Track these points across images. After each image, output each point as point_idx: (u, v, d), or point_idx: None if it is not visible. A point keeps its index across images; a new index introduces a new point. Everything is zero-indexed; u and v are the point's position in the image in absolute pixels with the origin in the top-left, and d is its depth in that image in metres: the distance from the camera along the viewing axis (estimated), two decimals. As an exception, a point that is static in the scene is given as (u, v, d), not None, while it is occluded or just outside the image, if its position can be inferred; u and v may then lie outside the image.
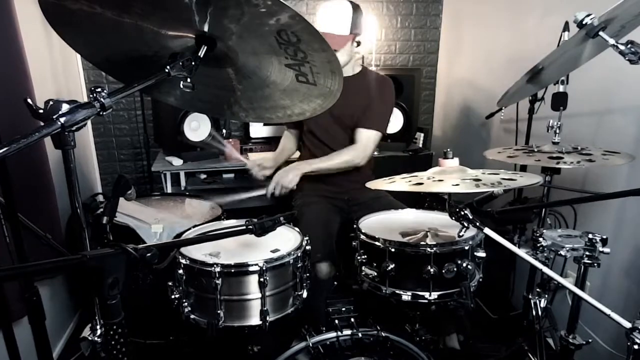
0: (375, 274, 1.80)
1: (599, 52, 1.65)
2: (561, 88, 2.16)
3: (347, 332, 1.82)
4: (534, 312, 2.07)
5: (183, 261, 1.66)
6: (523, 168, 2.53)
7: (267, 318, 1.65)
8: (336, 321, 1.85)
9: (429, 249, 1.68)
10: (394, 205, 2.37)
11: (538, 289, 2.09)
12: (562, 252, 1.75)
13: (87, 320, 1.22)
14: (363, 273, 1.85)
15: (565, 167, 1.84)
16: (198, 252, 1.72)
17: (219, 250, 1.76)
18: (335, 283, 2.30)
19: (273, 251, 1.74)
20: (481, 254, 1.74)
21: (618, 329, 1.22)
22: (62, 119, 0.91)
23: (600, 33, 1.38)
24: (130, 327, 1.03)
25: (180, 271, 1.67)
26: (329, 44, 2.19)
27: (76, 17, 1.14)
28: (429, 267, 1.68)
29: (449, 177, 1.53)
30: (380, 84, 2.62)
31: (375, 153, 2.85)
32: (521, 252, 1.29)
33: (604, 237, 1.66)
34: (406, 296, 1.76)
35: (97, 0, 1.10)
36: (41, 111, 0.92)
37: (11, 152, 0.83)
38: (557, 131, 2.09)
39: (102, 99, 0.98)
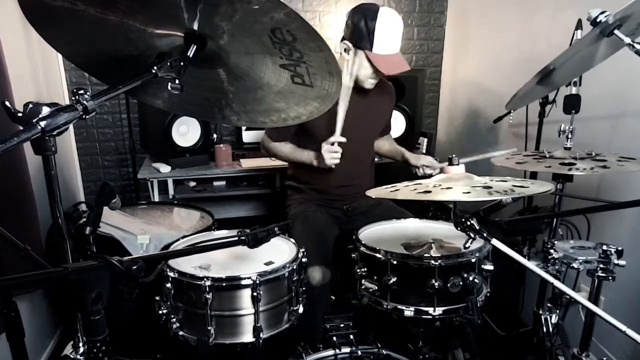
0: (376, 287, 1.80)
1: (614, 51, 1.66)
2: (574, 90, 2.16)
3: (346, 349, 1.82)
4: (544, 329, 2.06)
5: (171, 274, 1.66)
6: (533, 175, 2.54)
7: (261, 335, 1.65)
8: (334, 338, 1.85)
9: (433, 262, 1.68)
10: (396, 213, 2.37)
11: (549, 304, 2.09)
12: (575, 265, 1.76)
13: (69, 337, 1.22)
14: (363, 287, 1.85)
15: (578, 174, 1.83)
16: (187, 264, 1.72)
17: (209, 262, 1.75)
18: (333, 298, 2.30)
19: (267, 264, 1.73)
20: (489, 266, 1.75)
21: (634, 346, 1.22)
22: (43, 123, 0.91)
23: (616, 31, 1.39)
24: (114, 345, 1.02)
25: (168, 285, 1.67)
26: (403, 68, 2.31)
27: (57, 14, 1.14)
28: (433, 281, 1.68)
29: (456, 184, 1.53)
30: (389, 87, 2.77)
31: (376, 159, 2.86)
32: (531, 265, 1.29)
33: (619, 248, 1.66)
34: (409, 311, 1.75)
35: (80, -3, 1.10)
36: (20, 114, 0.92)
37: (-12, 158, 0.83)
38: (570, 136, 2.09)
39: (84, 102, 0.98)
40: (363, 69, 2.34)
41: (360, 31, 2.26)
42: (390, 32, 2.29)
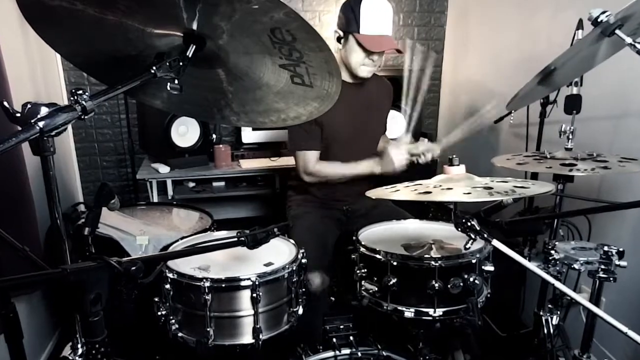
0: (376, 289, 1.80)
1: (616, 51, 1.65)
2: (575, 90, 2.16)
3: (346, 351, 1.82)
4: (545, 330, 2.06)
5: (170, 275, 1.66)
6: (534, 176, 2.54)
7: (260, 336, 1.65)
8: (334, 340, 1.85)
9: (433, 263, 1.68)
10: (396, 213, 2.37)
11: (550, 305, 2.09)
12: (576, 266, 1.75)
13: (67, 338, 1.21)
14: (363, 288, 1.85)
15: (579, 175, 1.83)
16: (186, 265, 1.72)
17: (208, 263, 1.75)
18: (333, 299, 2.30)
19: (266, 265, 1.73)
20: (489, 267, 1.75)
21: (635, 347, 1.22)
22: (41, 123, 0.91)
23: (617, 31, 1.39)
24: (113, 346, 1.02)
25: (167, 286, 1.67)
26: (392, 46, 2.28)
27: (56, 14, 1.14)
28: (434, 282, 1.68)
29: (456, 185, 1.53)
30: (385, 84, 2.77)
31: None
32: (532, 266, 1.29)
33: (621, 249, 1.66)
34: (409, 313, 1.75)
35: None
36: (18, 115, 0.92)
37: (-14, 159, 0.83)
38: (571, 136, 2.09)
39: (83, 102, 0.98)
40: (354, 54, 2.34)
41: (347, 16, 2.31)
42: (376, 13, 2.29)
